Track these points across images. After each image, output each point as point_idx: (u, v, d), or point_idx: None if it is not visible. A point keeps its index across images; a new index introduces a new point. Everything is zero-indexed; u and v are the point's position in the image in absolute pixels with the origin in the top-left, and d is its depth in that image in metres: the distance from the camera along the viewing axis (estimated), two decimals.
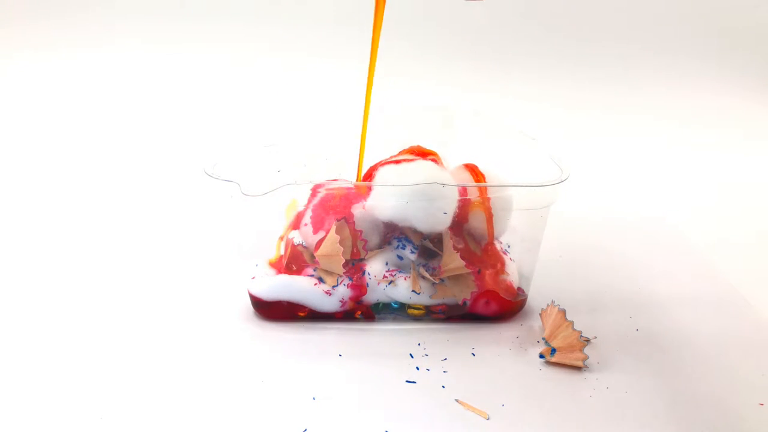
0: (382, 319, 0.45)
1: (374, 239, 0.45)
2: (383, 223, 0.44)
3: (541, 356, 0.41)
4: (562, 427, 0.35)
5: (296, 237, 0.47)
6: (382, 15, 0.42)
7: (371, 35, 0.43)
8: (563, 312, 0.41)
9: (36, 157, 0.80)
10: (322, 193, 0.45)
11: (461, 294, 0.44)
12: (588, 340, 0.43)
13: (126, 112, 0.93)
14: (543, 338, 0.42)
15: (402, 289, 0.44)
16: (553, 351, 0.41)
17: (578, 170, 0.47)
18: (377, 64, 0.44)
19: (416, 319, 0.45)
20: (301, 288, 0.44)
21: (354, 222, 0.43)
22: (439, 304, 0.45)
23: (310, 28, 1.00)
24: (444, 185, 0.41)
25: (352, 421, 0.35)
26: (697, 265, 0.56)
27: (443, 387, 0.38)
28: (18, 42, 1.00)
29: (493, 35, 0.95)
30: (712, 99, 0.97)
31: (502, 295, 0.45)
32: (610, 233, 0.62)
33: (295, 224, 0.47)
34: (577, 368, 0.40)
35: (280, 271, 0.46)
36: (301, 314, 0.45)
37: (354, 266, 0.44)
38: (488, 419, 0.36)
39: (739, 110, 0.96)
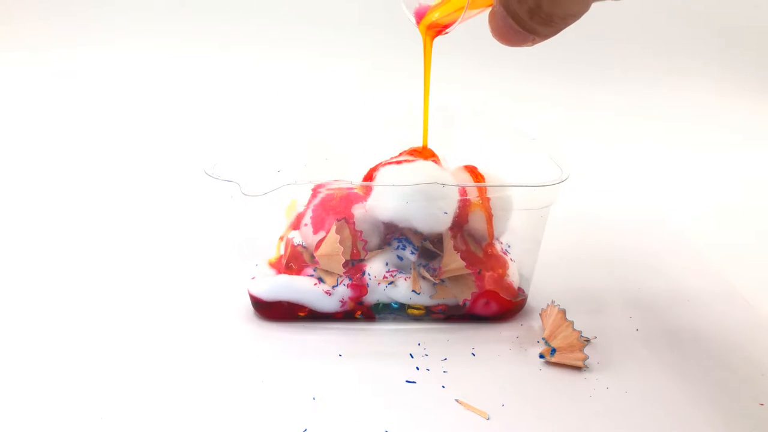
0: (382, 319, 0.45)
1: (374, 240, 0.45)
2: (383, 223, 0.44)
3: (541, 356, 0.41)
4: (562, 427, 0.35)
5: (296, 237, 0.47)
6: (430, 55, 0.43)
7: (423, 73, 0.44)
8: (563, 312, 0.41)
9: (36, 157, 0.80)
10: (322, 193, 0.45)
11: (462, 294, 0.44)
12: (588, 340, 0.43)
13: (126, 112, 0.93)
14: (543, 338, 0.42)
15: (402, 290, 0.44)
16: (553, 351, 0.41)
17: (578, 170, 0.47)
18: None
19: (416, 319, 0.45)
20: (301, 288, 0.44)
21: (354, 222, 0.43)
22: (439, 305, 0.45)
23: (310, 28, 1.00)
24: (444, 185, 0.41)
25: (352, 421, 0.35)
26: (698, 265, 0.56)
27: (443, 387, 0.38)
28: (18, 42, 1.00)
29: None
30: (712, 99, 0.97)
31: (503, 296, 0.45)
32: (610, 233, 0.62)
33: (296, 224, 0.47)
34: (577, 368, 0.40)
35: (280, 271, 0.46)
36: (301, 314, 0.45)
37: (354, 266, 0.44)
38: (488, 419, 0.36)
39: (739, 110, 0.96)
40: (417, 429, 0.35)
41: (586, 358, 0.40)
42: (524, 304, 0.47)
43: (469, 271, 0.44)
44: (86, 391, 0.37)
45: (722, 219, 0.68)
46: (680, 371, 0.40)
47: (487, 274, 0.45)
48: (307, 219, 0.45)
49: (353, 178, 0.45)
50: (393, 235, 0.45)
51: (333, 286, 0.44)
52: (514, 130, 0.51)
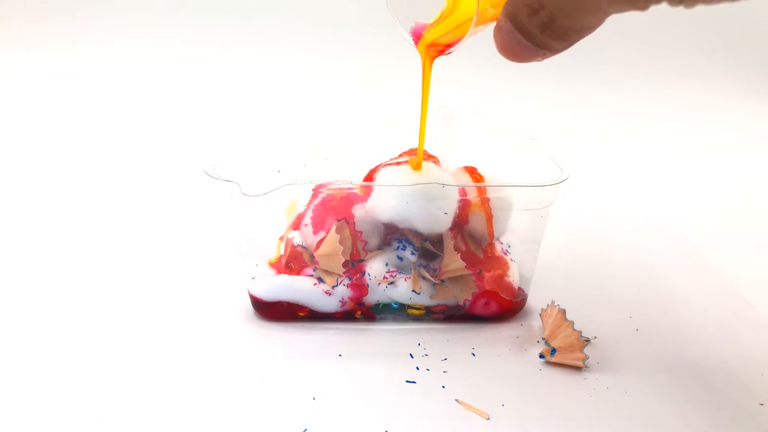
0: (382, 319, 0.45)
1: (374, 240, 0.45)
2: (383, 224, 0.44)
3: (541, 356, 0.41)
4: (562, 427, 0.35)
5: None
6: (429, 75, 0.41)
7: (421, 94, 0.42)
8: (563, 312, 0.41)
9: (36, 157, 0.80)
10: (323, 193, 0.45)
11: (462, 295, 0.44)
12: (588, 340, 0.43)
13: (126, 112, 0.93)
14: (543, 338, 0.42)
15: (402, 290, 0.44)
16: (553, 351, 0.41)
17: (578, 170, 0.47)
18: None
19: (416, 319, 0.45)
20: (301, 288, 0.44)
21: (354, 223, 0.43)
22: (439, 305, 0.45)
23: (310, 28, 1.00)
24: (444, 185, 0.41)
25: (352, 421, 0.35)
26: (698, 265, 0.56)
27: (443, 387, 0.38)
28: (18, 42, 1.00)
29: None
30: (713, 98, 0.97)
31: (503, 296, 0.45)
32: (610, 233, 0.62)
33: (296, 225, 0.47)
34: (577, 368, 0.40)
35: (280, 271, 0.46)
36: (301, 314, 0.45)
37: (354, 267, 0.44)
38: (488, 419, 0.36)
39: (740, 110, 0.96)
40: (417, 429, 0.35)
41: (586, 358, 0.40)
42: (524, 304, 0.47)
43: (470, 272, 0.44)
44: (86, 391, 0.37)
45: (722, 219, 0.68)
46: (680, 371, 0.40)
47: (487, 274, 0.45)
48: (308, 219, 0.45)
49: (353, 179, 0.45)
50: (393, 235, 0.45)
51: (333, 286, 0.44)
52: (515, 130, 0.51)
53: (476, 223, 0.44)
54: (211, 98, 0.95)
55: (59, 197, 0.68)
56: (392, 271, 0.44)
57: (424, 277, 0.44)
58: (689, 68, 0.99)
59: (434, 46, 0.38)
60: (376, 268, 0.44)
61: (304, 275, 0.45)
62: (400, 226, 0.44)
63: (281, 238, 0.48)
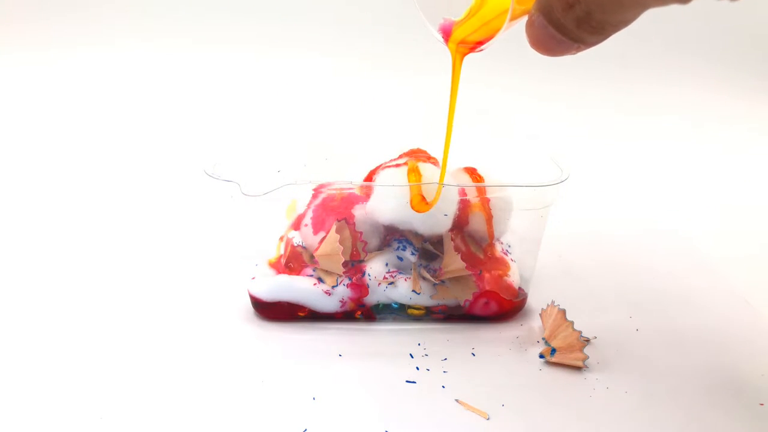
0: (383, 320, 0.45)
1: (374, 241, 0.45)
2: (383, 225, 0.44)
3: (541, 356, 0.41)
4: (562, 427, 0.35)
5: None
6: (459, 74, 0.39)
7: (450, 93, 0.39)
8: (563, 312, 0.41)
9: (36, 157, 0.80)
10: (323, 194, 0.45)
11: (462, 295, 0.44)
12: (588, 340, 0.43)
13: (126, 112, 0.93)
14: (543, 338, 0.42)
15: (402, 290, 0.44)
16: (553, 351, 0.41)
17: (578, 170, 0.47)
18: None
19: (416, 319, 0.45)
20: (301, 288, 0.44)
21: (354, 223, 0.43)
22: (439, 305, 0.45)
23: (310, 27, 1.00)
24: (444, 185, 0.41)
25: (352, 421, 0.35)
26: (697, 265, 0.56)
27: (443, 387, 0.38)
28: (18, 42, 1.00)
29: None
30: (713, 98, 0.97)
31: (503, 296, 0.45)
32: (610, 233, 0.62)
33: (296, 225, 0.47)
34: (577, 368, 0.40)
35: (280, 271, 0.46)
36: (301, 314, 0.45)
37: (353, 267, 0.44)
38: (488, 419, 0.36)
39: (741, 110, 0.96)
40: (417, 429, 0.35)
41: (586, 358, 0.40)
42: (524, 304, 0.47)
43: (470, 273, 0.44)
44: (86, 391, 0.37)
45: (722, 218, 0.68)
46: (680, 371, 0.40)
47: (488, 274, 0.45)
48: (308, 219, 0.45)
49: (353, 179, 0.45)
50: (393, 236, 0.45)
51: (333, 286, 0.44)
52: (516, 130, 0.51)
53: (476, 223, 0.44)
54: (211, 98, 0.95)
55: (59, 197, 0.68)
56: (392, 272, 0.44)
57: (424, 278, 0.44)
58: (690, 68, 0.99)
59: (464, 44, 0.37)
60: (376, 268, 0.44)
61: (303, 275, 0.45)
62: (401, 227, 0.44)
63: (281, 238, 0.48)
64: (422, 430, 0.35)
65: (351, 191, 0.44)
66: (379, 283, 0.44)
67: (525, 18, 0.30)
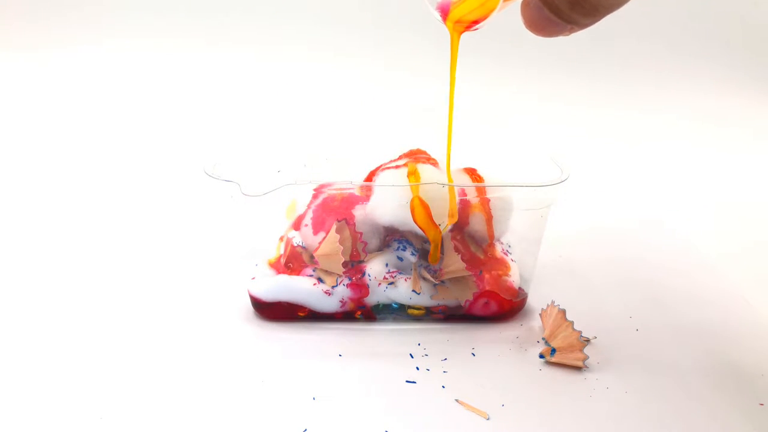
0: (383, 320, 0.45)
1: (374, 242, 0.45)
2: (383, 226, 0.44)
3: (541, 356, 0.41)
4: (562, 427, 0.35)
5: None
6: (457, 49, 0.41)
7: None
8: (563, 312, 0.41)
9: (35, 157, 0.80)
10: (324, 194, 0.45)
11: (462, 295, 0.44)
12: (588, 340, 0.43)
13: (126, 111, 0.93)
14: (543, 338, 0.42)
15: (402, 290, 0.44)
16: (553, 351, 0.41)
17: (578, 170, 0.47)
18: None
19: (416, 319, 0.45)
20: (300, 288, 0.44)
21: (354, 224, 0.43)
22: (439, 305, 0.45)
23: (310, 27, 1.00)
24: (444, 185, 0.41)
25: (352, 421, 0.35)
26: (697, 265, 0.56)
27: (443, 387, 0.38)
28: (17, 41, 1.00)
29: (493, 34, 0.95)
30: (713, 98, 0.97)
31: (503, 296, 0.45)
32: (610, 233, 0.62)
33: (296, 225, 0.47)
34: (577, 368, 0.40)
35: (280, 272, 0.46)
36: (301, 314, 0.45)
37: (353, 267, 0.44)
38: (488, 419, 0.36)
39: (740, 109, 0.96)
40: (417, 429, 0.35)
41: (586, 358, 0.40)
42: (524, 304, 0.47)
43: (470, 273, 0.44)
44: (86, 391, 0.37)
45: (722, 218, 0.68)
46: (680, 371, 0.40)
47: (488, 275, 0.45)
48: (308, 220, 0.45)
49: (354, 179, 0.45)
50: (393, 236, 0.45)
51: (333, 287, 0.44)
52: (519, 132, 0.51)
53: (476, 224, 0.44)
54: (211, 98, 0.95)
55: (59, 197, 0.68)
56: (392, 272, 0.44)
57: (424, 278, 0.44)
58: (689, 68, 0.99)
59: (461, 23, 0.38)
60: (376, 268, 0.44)
61: (303, 275, 0.45)
62: (401, 229, 0.44)
63: (281, 238, 0.48)
64: (422, 430, 0.35)
65: (351, 191, 0.44)
66: (379, 284, 0.44)
67: None
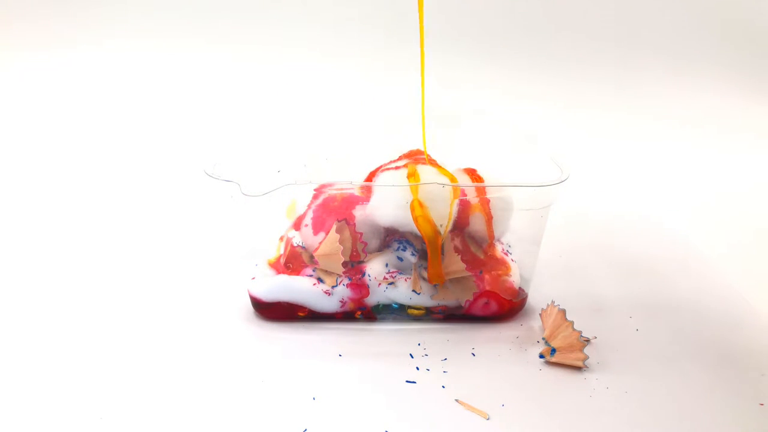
0: (383, 320, 0.45)
1: (374, 243, 0.45)
2: (384, 227, 0.44)
3: (541, 356, 0.41)
4: (562, 427, 0.35)
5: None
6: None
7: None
8: (563, 312, 0.41)
9: (36, 157, 0.80)
10: (324, 194, 0.45)
11: (463, 296, 0.44)
12: (588, 340, 0.43)
13: (126, 112, 0.93)
14: (543, 338, 0.42)
15: (402, 290, 0.44)
16: (553, 351, 0.41)
17: (578, 170, 0.47)
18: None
19: (416, 319, 0.45)
20: (300, 288, 0.44)
21: (355, 224, 0.43)
22: (439, 305, 0.45)
23: (310, 27, 1.00)
24: (444, 185, 0.41)
25: (352, 421, 0.35)
26: (697, 265, 0.56)
27: (443, 387, 0.38)
28: (18, 42, 1.00)
29: (494, 34, 0.95)
30: (713, 98, 0.97)
31: (503, 296, 0.45)
32: (610, 233, 0.62)
33: (297, 225, 0.47)
34: (577, 368, 0.40)
35: (279, 272, 0.46)
36: (301, 314, 0.45)
37: (353, 267, 0.44)
38: (488, 419, 0.36)
39: (740, 109, 0.96)
40: (417, 429, 0.35)
41: (586, 358, 0.40)
42: (524, 304, 0.47)
43: (470, 274, 0.43)
44: (86, 391, 0.37)
45: (722, 219, 0.68)
46: (680, 371, 0.40)
47: (488, 275, 0.45)
48: (308, 220, 0.45)
49: (354, 179, 0.45)
50: (393, 237, 0.45)
51: (332, 287, 0.44)
52: (518, 132, 0.51)
53: (476, 224, 0.44)
54: (211, 98, 0.95)
55: (59, 197, 0.68)
56: (392, 272, 0.44)
57: (424, 278, 0.44)
58: (689, 68, 0.99)
59: None
60: (376, 268, 0.44)
61: (303, 275, 0.45)
62: (401, 230, 0.44)
63: (281, 238, 0.48)
64: (422, 430, 0.35)
65: (351, 192, 0.44)
66: (380, 284, 0.44)
67: None
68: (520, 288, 0.46)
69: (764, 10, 0.96)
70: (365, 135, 0.55)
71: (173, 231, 0.60)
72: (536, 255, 0.47)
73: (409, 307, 0.45)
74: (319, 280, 0.44)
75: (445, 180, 0.43)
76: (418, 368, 0.40)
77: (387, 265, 0.44)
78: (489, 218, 0.44)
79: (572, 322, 0.41)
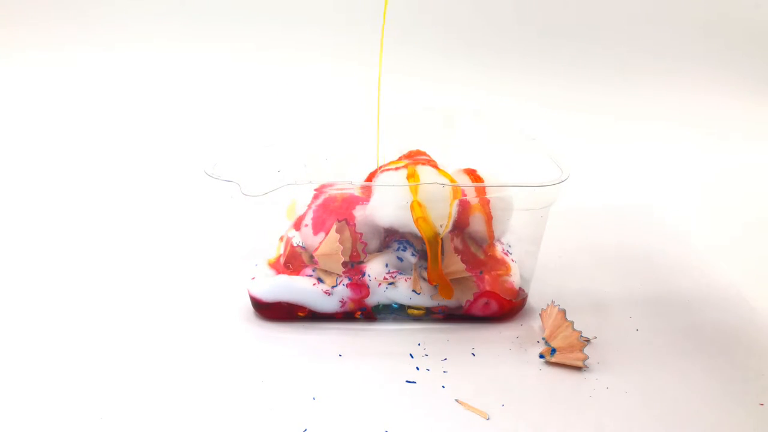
0: (383, 320, 0.45)
1: (374, 243, 0.45)
2: (384, 228, 0.44)
3: (541, 356, 0.41)
4: (562, 427, 0.35)
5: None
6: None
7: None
8: (563, 312, 0.41)
9: (37, 157, 0.80)
10: (325, 194, 0.45)
11: (463, 296, 0.44)
12: (588, 340, 0.43)
13: (126, 112, 0.93)
14: (543, 338, 0.42)
15: (402, 291, 0.44)
16: (553, 351, 0.41)
17: (578, 170, 0.47)
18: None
19: (416, 319, 0.45)
20: (300, 288, 0.44)
21: (355, 224, 0.43)
22: (439, 305, 0.45)
23: (310, 27, 1.00)
24: (444, 185, 0.41)
25: (352, 421, 0.35)
26: (697, 265, 0.56)
27: (443, 387, 0.38)
28: (19, 42, 1.00)
29: (493, 34, 0.95)
30: (712, 98, 0.97)
31: (503, 296, 0.45)
32: (610, 233, 0.62)
33: (297, 225, 0.47)
34: (577, 368, 0.40)
35: (279, 272, 0.46)
36: (301, 314, 0.45)
37: (353, 267, 0.44)
38: (488, 419, 0.36)
39: (740, 109, 0.96)
40: (417, 429, 0.35)
41: (586, 358, 0.40)
42: (524, 304, 0.47)
43: (470, 274, 0.43)
44: (86, 391, 0.37)
45: (722, 219, 0.68)
46: (680, 371, 0.40)
47: (488, 275, 0.45)
48: (308, 220, 0.45)
49: (354, 179, 0.45)
50: (393, 237, 0.45)
51: (332, 287, 0.44)
52: (518, 131, 0.51)
53: (476, 224, 0.44)
54: (211, 99, 0.95)
55: (60, 197, 0.68)
56: (392, 272, 0.44)
57: (424, 278, 0.44)
58: (689, 68, 0.99)
59: None
60: (376, 268, 0.44)
61: (303, 275, 0.45)
62: (401, 230, 0.44)
63: (281, 238, 0.48)
64: (422, 430, 0.35)
65: (351, 192, 0.44)
66: (380, 284, 0.44)
67: None
68: (520, 288, 0.46)
69: (764, 10, 0.96)
70: (365, 135, 0.55)
71: (173, 231, 0.60)
72: (536, 255, 0.47)
73: (409, 307, 0.45)
74: (319, 280, 0.44)
75: (445, 181, 0.43)
76: (418, 368, 0.40)
77: (387, 265, 0.44)
78: (489, 218, 0.44)
79: (572, 322, 0.41)
